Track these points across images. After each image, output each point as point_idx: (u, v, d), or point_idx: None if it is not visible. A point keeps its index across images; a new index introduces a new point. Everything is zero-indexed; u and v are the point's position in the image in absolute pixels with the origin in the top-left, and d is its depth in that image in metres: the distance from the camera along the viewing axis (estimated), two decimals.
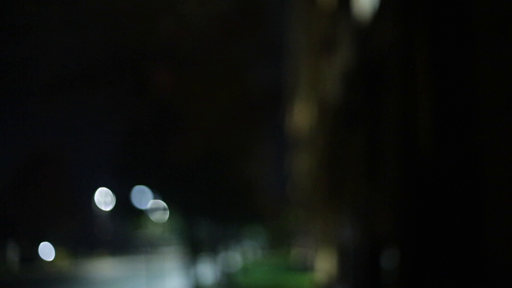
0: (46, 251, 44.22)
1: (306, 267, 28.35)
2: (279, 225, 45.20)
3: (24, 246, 41.36)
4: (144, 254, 34.93)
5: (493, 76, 3.50)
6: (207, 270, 23.99)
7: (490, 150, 3.55)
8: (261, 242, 56.20)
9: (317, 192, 19.51)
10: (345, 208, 11.77)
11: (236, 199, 19.86)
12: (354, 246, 10.16)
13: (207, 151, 17.58)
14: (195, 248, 20.87)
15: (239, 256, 36.91)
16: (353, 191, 10.57)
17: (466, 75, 4.55)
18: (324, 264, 17.60)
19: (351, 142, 10.71)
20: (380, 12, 7.98)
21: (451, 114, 5.04)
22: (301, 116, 27.91)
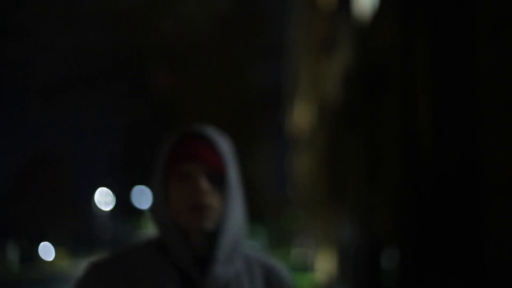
0: (46, 251, 44.25)
1: (306, 267, 28.34)
2: (279, 225, 45.20)
3: (24, 246, 41.38)
4: None
5: (493, 76, 3.50)
6: None
7: (490, 150, 3.55)
8: (261, 242, 56.25)
9: (317, 192, 19.52)
10: (345, 208, 11.78)
11: None
12: (354, 246, 10.17)
13: None
14: None
15: None
16: (353, 191, 10.57)
17: (466, 75, 4.55)
18: (324, 264, 17.61)
19: (351, 142, 10.71)
20: (380, 12, 7.98)
21: (451, 114, 5.04)
22: (301, 116, 27.93)
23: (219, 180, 1.62)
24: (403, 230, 6.28)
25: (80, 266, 38.49)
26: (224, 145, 1.67)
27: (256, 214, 26.15)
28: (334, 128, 13.96)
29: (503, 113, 3.31)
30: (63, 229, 48.11)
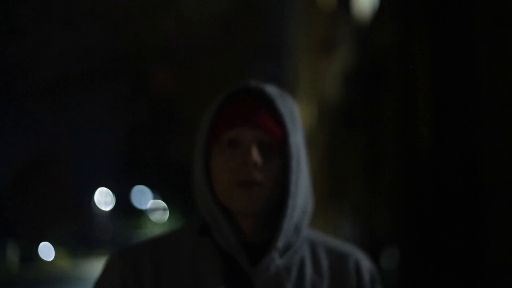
0: (46, 251, 44.26)
1: None
2: None
3: (24, 246, 41.39)
4: None
5: (493, 76, 3.50)
6: None
7: (490, 150, 3.55)
8: None
9: (317, 192, 19.51)
10: (345, 208, 11.77)
11: None
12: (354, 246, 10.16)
13: None
14: None
15: None
16: (353, 191, 10.57)
17: (466, 75, 4.55)
18: None
19: (351, 142, 10.71)
20: (380, 12, 7.98)
21: (451, 114, 5.04)
22: (301, 116, 27.91)
23: (277, 150, 1.28)
24: (403, 230, 6.28)
25: (80, 266, 38.51)
26: (286, 106, 1.33)
27: None
28: (334, 128, 13.95)
29: (503, 113, 3.31)
30: (63, 229, 48.13)
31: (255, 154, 1.24)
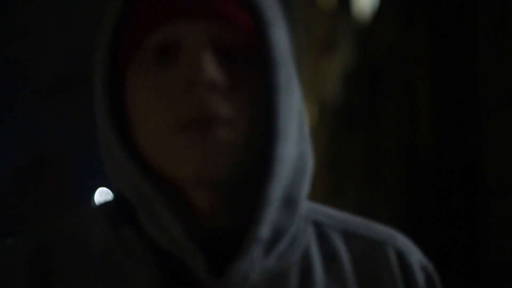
0: None
1: None
2: None
3: None
4: None
5: (493, 76, 3.50)
6: None
7: (490, 150, 3.55)
8: None
9: (317, 192, 19.54)
10: (345, 208, 11.78)
11: None
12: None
13: None
14: None
15: None
16: (353, 191, 10.58)
17: (466, 75, 4.55)
18: None
19: (351, 142, 10.71)
20: (380, 12, 7.98)
21: (451, 114, 5.04)
22: None
23: (251, 57, 0.69)
24: (403, 230, 6.28)
25: None
26: None
27: None
28: (334, 128, 13.96)
29: (503, 113, 3.31)
30: None
31: (212, 66, 0.64)
